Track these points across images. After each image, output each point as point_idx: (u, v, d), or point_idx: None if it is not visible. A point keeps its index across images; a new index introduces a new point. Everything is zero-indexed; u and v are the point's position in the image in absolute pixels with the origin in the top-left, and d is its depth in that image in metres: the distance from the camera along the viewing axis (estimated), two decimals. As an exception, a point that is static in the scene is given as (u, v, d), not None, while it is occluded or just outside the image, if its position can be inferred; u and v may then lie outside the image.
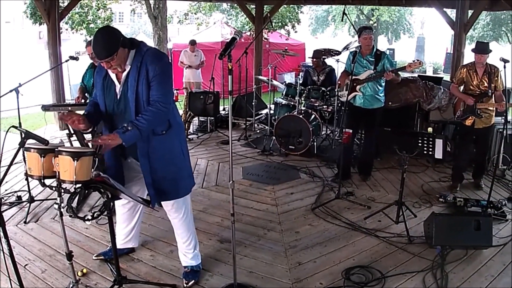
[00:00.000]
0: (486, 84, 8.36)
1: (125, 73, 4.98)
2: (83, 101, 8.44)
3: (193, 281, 5.76)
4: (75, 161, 4.42)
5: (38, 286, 5.56)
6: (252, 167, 10.46)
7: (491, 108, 8.47)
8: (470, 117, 8.54)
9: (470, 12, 12.91)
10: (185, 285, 5.71)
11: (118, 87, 5.07)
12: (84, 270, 5.84)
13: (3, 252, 4.49)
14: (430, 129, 11.02)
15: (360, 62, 8.89)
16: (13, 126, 4.65)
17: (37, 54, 28.64)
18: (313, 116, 11.43)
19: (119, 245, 6.00)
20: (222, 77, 17.22)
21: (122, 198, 5.30)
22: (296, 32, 32.38)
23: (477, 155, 9.21)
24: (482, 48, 8.32)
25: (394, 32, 60.50)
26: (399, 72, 8.94)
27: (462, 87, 8.78)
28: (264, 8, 16.57)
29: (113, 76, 5.07)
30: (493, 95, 8.38)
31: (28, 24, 25.95)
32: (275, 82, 13.46)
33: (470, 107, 8.44)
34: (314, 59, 12.73)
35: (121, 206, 5.96)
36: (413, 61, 8.57)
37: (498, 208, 7.81)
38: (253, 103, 13.64)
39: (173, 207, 5.63)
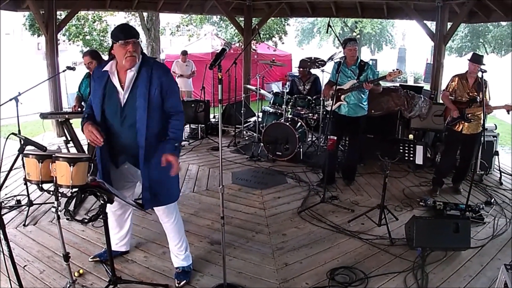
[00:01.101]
0: (475, 93, 8.49)
1: (129, 78, 4.98)
2: (79, 109, 8.44)
3: (184, 281, 5.78)
4: (72, 166, 4.44)
5: (37, 286, 5.55)
6: (241, 172, 10.46)
7: (479, 114, 8.53)
8: (460, 122, 8.63)
9: (449, 24, 12.97)
10: (177, 285, 5.73)
11: (121, 93, 5.03)
12: (81, 271, 5.84)
13: (3, 254, 4.49)
14: (411, 136, 11.06)
15: (345, 72, 8.94)
16: (12, 133, 4.68)
17: (36, 64, 28.63)
18: (299, 123, 11.46)
19: (113, 248, 5.99)
20: (213, 86, 17.21)
21: (117, 202, 5.30)
22: (283, 43, 32.41)
23: (461, 161, 9.29)
24: (477, 59, 8.42)
25: (377, 44, 60.81)
26: (380, 82, 8.96)
27: (453, 95, 8.85)
28: (253, 21, 16.56)
29: (116, 83, 5.02)
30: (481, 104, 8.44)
31: (27, 35, 25.91)
32: (263, 91, 13.50)
33: (459, 114, 8.54)
34: (301, 69, 12.74)
35: (112, 212, 5.92)
36: (393, 70, 8.58)
37: (476, 212, 7.88)
38: (242, 111, 13.63)
39: (165, 212, 5.65)
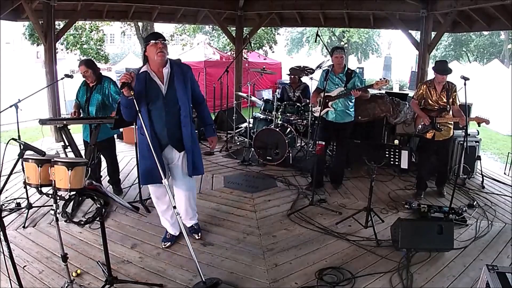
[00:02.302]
0: (444, 100, 8.46)
1: (166, 73, 6.05)
2: (76, 115, 8.43)
3: (200, 232, 7.14)
4: (70, 170, 4.46)
5: (36, 286, 5.55)
6: (232, 176, 10.44)
7: (449, 122, 8.56)
8: (430, 131, 8.63)
9: (433, 34, 13.00)
10: (197, 237, 7.06)
11: (162, 86, 6.05)
12: (78, 271, 5.84)
13: (4, 254, 4.51)
14: (396, 142, 11.06)
15: (333, 80, 8.94)
16: (12, 139, 4.69)
17: (35, 72, 28.52)
18: (288, 129, 11.46)
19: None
20: (205, 93, 17.20)
21: (114, 204, 5.38)
22: (273, 52, 32.56)
23: (438, 165, 9.24)
24: (444, 69, 8.36)
25: (363, 52, 60.84)
26: (368, 89, 8.97)
27: (422, 103, 8.85)
28: (244, 30, 16.55)
29: (155, 78, 6.01)
30: (451, 110, 8.50)
31: (27, 44, 25.87)
32: (253, 98, 13.48)
33: (430, 122, 8.53)
34: (291, 76, 12.79)
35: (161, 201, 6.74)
36: (380, 79, 8.60)
37: (459, 214, 7.89)
38: (234, 118, 13.65)
39: (191, 182, 6.78)
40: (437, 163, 9.21)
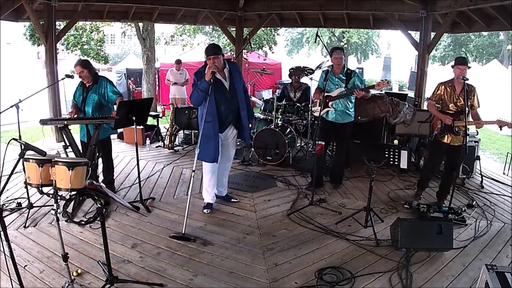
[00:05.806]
0: (462, 102, 8.05)
1: (227, 73, 7.73)
2: (75, 116, 8.41)
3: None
4: (70, 170, 4.47)
5: (37, 285, 5.54)
6: (232, 176, 10.33)
7: (467, 126, 8.34)
8: (448, 135, 8.32)
9: (432, 34, 13.00)
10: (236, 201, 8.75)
11: (225, 83, 7.71)
12: (79, 271, 5.83)
13: (4, 254, 4.52)
14: (396, 142, 11.07)
15: (332, 80, 8.96)
16: (13, 139, 4.69)
17: (36, 72, 28.45)
18: (288, 129, 11.46)
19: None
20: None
21: (115, 204, 5.38)
22: (273, 52, 32.46)
23: (447, 171, 8.84)
24: (462, 61, 8.10)
25: (363, 53, 60.70)
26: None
27: (438, 105, 8.51)
28: (244, 31, 16.56)
29: (220, 77, 7.61)
30: (470, 113, 8.18)
31: (28, 45, 25.81)
32: (253, 98, 13.49)
33: (448, 125, 8.24)
34: (294, 76, 12.76)
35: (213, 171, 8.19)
36: (381, 80, 8.61)
37: (458, 214, 7.89)
38: (234, 118, 13.57)
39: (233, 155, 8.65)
40: (446, 167, 8.99)
